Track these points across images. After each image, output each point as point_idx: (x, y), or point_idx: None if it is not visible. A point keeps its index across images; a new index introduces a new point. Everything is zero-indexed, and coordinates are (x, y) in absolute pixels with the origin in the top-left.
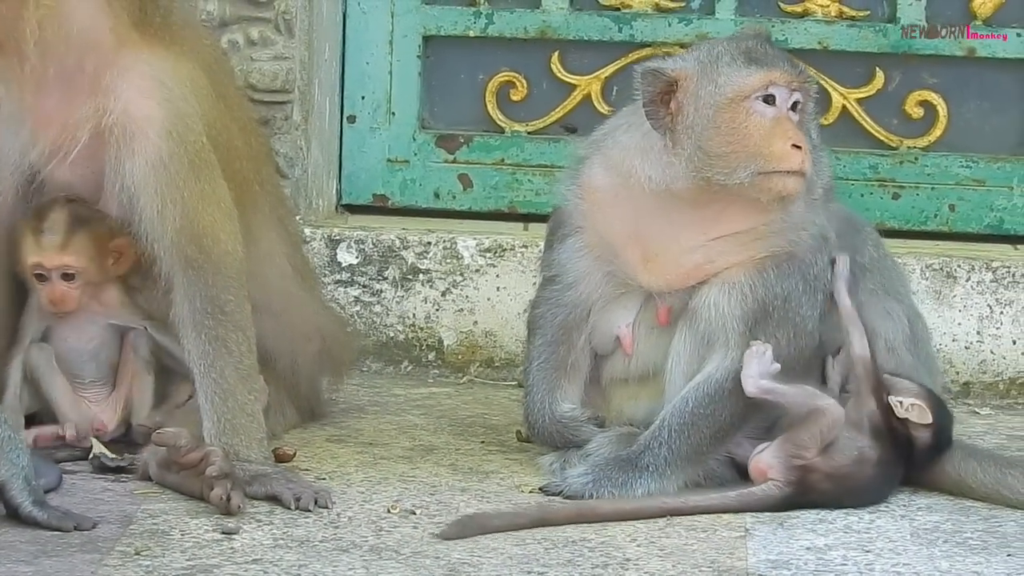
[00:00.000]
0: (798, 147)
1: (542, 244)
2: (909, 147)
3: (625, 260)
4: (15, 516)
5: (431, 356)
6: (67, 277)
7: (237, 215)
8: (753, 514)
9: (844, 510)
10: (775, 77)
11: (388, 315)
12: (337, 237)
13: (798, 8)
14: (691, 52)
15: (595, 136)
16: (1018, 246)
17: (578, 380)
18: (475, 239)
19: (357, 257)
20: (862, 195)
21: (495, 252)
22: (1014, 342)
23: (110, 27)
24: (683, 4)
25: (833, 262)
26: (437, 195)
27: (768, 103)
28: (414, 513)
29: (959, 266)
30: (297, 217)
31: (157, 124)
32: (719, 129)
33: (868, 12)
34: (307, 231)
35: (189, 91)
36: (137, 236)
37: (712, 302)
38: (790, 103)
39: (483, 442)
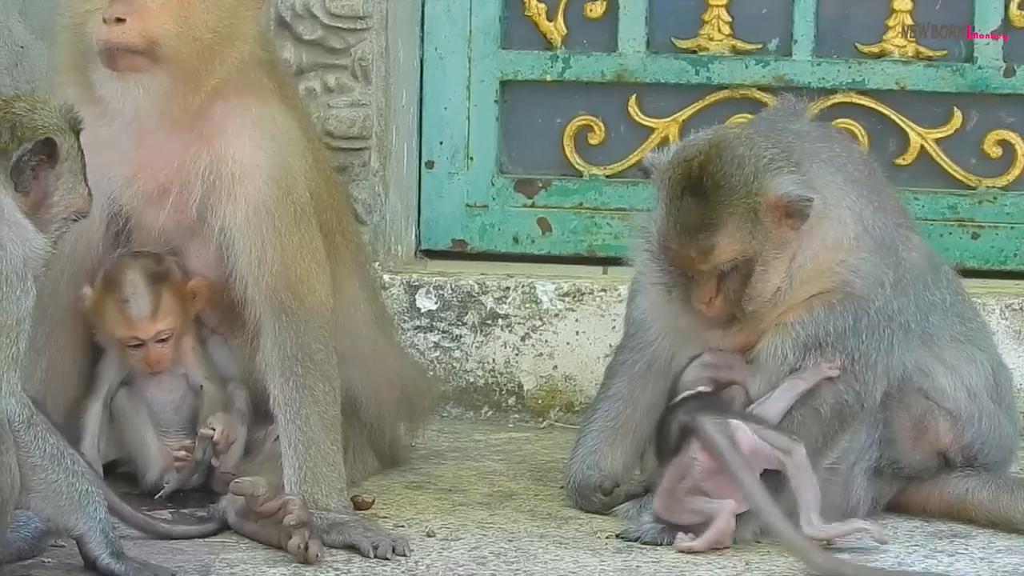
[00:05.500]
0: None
1: (621, 288)
2: (988, 186)
3: (691, 321)
4: (93, 568)
5: (511, 401)
6: (161, 339)
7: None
8: None
9: (924, 553)
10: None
11: (468, 360)
12: (416, 283)
13: (875, 48)
14: (674, 147)
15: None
16: None
17: (632, 439)
18: (554, 283)
19: (436, 303)
20: (941, 235)
21: (574, 296)
22: None
23: (240, 76)
24: (760, 46)
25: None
26: (516, 240)
27: None
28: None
29: None
30: (376, 263)
31: (265, 172)
32: None
33: (945, 52)
34: (386, 277)
35: (295, 143)
36: (230, 280)
37: (768, 343)
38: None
39: (562, 487)
